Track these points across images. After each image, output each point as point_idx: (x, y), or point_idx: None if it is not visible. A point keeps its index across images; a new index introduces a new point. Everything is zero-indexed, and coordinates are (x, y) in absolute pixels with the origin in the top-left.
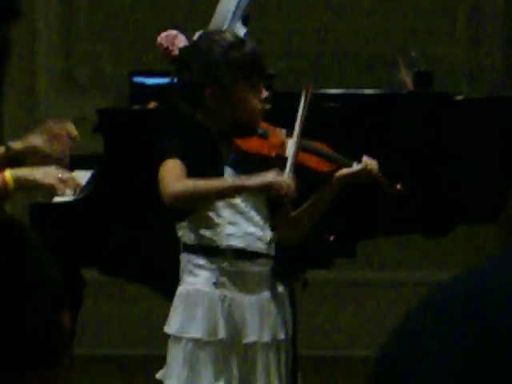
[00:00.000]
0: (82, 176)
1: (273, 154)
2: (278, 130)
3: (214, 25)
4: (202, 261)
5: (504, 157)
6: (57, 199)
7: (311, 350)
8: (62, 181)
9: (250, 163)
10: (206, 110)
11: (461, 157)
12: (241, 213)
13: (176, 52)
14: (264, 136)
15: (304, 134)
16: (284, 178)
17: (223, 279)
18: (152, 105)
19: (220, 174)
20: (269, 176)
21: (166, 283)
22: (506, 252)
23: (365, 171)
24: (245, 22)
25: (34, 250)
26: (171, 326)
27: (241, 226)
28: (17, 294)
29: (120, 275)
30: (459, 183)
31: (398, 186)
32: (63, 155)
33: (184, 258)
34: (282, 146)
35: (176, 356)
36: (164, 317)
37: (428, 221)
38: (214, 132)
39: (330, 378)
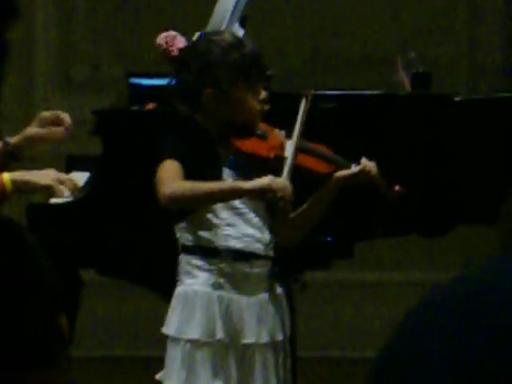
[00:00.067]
0: (80, 177)
1: (272, 155)
2: (276, 131)
3: (212, 26)
4: (200, 262)
5: (503, 157)
6: (54, 200)
7: (309, 351)
8: (59, 182)
9: (249, 164)
10: (204, 111)
11: (459, 157)
12: (239, 214)
13: (175, 53)
14: (263, 137)
15: (302, 135)
16: (282, 180)
17: (221, 280)
18: (150, 106)
19: (218, 175)
20: (266, 179)
21: (164, 284)
22: (506, 253)
23: (363, 173)
24: (242, 24)
25: (31, 252)
26: (169, 327)
27: (239, 228)
28: (15, 296)
29: (118, 276)
30: (458, 184)
31: (397, 188)
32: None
33: (182, 259)
34: (281, 147)
35: (174, 357)
36: (162, 318)
37: (426, 221)
38: (213, 133)
39: (328, 379)
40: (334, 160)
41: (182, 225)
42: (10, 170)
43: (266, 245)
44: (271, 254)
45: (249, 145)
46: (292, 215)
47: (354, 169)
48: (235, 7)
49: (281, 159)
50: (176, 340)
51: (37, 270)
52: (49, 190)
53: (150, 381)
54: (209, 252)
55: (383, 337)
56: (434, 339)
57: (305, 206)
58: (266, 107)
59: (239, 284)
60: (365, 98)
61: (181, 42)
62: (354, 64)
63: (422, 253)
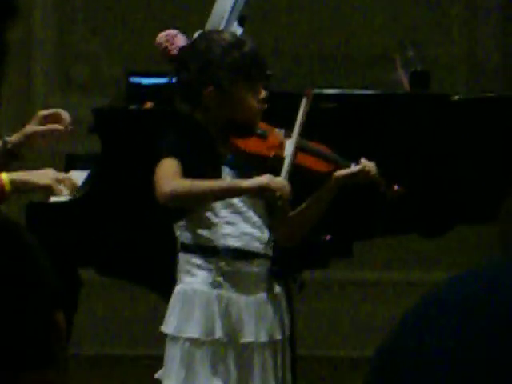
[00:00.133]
0: (79, 176)
1: (271, 154)
2: (276, 130)
3: (210, 25)
4: (199, 260)
5: (501, 156)
6: (53, 199)
7: (308, 351)
8: (58, 181)
9: (249, 163)
10: (204, 110)
11: (458, 157)
12: (239, 213)
13: (175, 52)
14: (262, 136)
15: (302, 134)
16: (280, 179)
17: (220, 279)
18: (149, 105)
19: (218, 173)
20: (265, 178)
21: (163, 283)
22: (506, 252)
23: (363, 172)
24: (241, 23)
25: (30, 251)
26: (168, 326)
27: (238, 226)
28: (13, 295)
29: (117, 275)
30: (457, 183)
31: (396, 187)
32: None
33: (181, 257)
34: (281, 146)
35: (173, 356)
36: (161, 317)
37: (425, 221)
38: (213, 132)
39: (328, 378)
40: (333, 159)
41: (182, 223)
42: (9, 170)
43: (266, 244)
44: (270, 252)
45: (248, 144)
46: (291, 214)
47: (354, 168)
48: (234, 6)
49: (280, 158)
50: (175, 339)
51: (36, 269)
52: (48, 190)
53: (149, 380)
54: (208, 250)
55: (382, 336)
56: (434, 338)
57: (304, 205)
58: (265, 106)
59: (238, 283)
60: (363, 97)
61: (181, 40)
62: (353, 63)
63: (420, 252)
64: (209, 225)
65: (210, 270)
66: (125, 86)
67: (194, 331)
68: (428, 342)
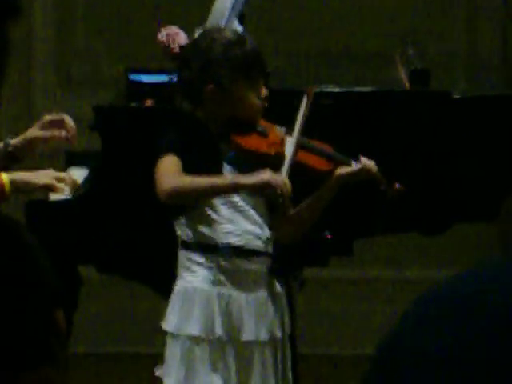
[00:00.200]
0: (78, 173)
1: (272, 151)
2: (277, 127)
3: (211, 23)
4: (199, 258)
5: (502, 155)
6: (53, 197)
7: (308, 349)
8: (59, 179)
9: (249, 161)
10: (205, 108)
11: (458, 155)
12: (239, 211)
13: (177, 49)
14: (263, 134)
15: (303, 132)
16: (281, 176)
17: (221, 277)
18: (149, 102)
19: (219, 171)
20: (265, 174)
21: (164, 281)
22: (506, 252)
23: (364, 170)
24: (241, 21)
25: (29, 250)
26: (169, 323)
27: (239, 224)
28: (12, 294)
29: (117, 273)
30: (457, 181)
31: (397, 186)
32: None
33: (182, 255)
34: (282, 143)
35: (173, 353)
36: (161, 314)
37: (426, 219)
38: (214, 129)
39: (328, 376)
40: (334, 157)
41: (182, 221)
42: (9, 169)
43: (266, 241)
44: (271, 250)
45: (249, 141)
46: (292, 212)
47: (354, 166)
48: (234, 4)
49: (281, 156)
50: (175, 336)
51: (35, 268)
52: (48, 188)
53: (149, 377)
54: (208, 248)
55: (383, 334)
56: (433, 337)
57: (305, 203)
58: (266, 104)
59: (238, 281)
60: (363, 94)
61: (182, 38)
62: (353, 61)
63: (420, 250)
64: (209, 222)
65: (210, 268)
66: (125, 84)
67: (194, 329)
68: (427, 341)
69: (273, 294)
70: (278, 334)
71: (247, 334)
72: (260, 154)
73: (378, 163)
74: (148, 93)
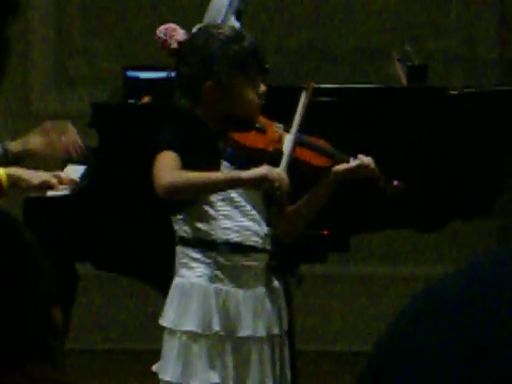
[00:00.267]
0: (75, 170)
1: (270, 148)
2: (275, 124)
3: (208, 19)
4: (197, 254)
5: (498, 151)
6: (51, 193)
7: (306, 345)
8: (56, 176)
9: (248, 157)
10: (204, 104)
11: (455, 151)
12: (237, 207)
13: (175, 45)
14: (262, 130)
15: (301, 128)
16: (279, 170)
17: (218, 273)
18: (146, 99)
19: (217, 167)
20: (263, 169)
21: (161, 277)
22: (506, 247)
23: (362, 167)
24: (238, 17)
25: (27, 247)
26: (166, 319)
27: (236, 220)
28: (10, 291)
29: (114, 270)
30: (454, 178)
31: (395, 183)
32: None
33: (179, 251)
34: (280, 140)
35: (171, 349)
36: (158, 311)
37: (422, 215)
38: (212, 126)
39: (326, 372)
40: (332, 154)
41: (180, 217)
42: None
43: (264, 238)
44: (268, 247)
45: (247, 138)
46: (290, 209)
47: (353, 163)
48: (231, 1)
49: (279, 153)
50: (172, 332)
51: (33, 265)
52: (46, 183)
53: (146, 374)
54: (206, 244)
55: (381, 330)
56: (430, 334)
57: (303, 199)
58: (264, 101)
59: (236, 277)
60: (361, 91)
61: (180, 34)
62: (350, 57)
63: (417, 247)
64: (207, 218)
65: (207, 264)
66: (122, 81)
67: (191, 325)
68: (425, 338)
69: (270, 291)
70: (276, 330)
71: (244, 330)
72: (258, 150)
73: (375, 160)
74: (145, 90)
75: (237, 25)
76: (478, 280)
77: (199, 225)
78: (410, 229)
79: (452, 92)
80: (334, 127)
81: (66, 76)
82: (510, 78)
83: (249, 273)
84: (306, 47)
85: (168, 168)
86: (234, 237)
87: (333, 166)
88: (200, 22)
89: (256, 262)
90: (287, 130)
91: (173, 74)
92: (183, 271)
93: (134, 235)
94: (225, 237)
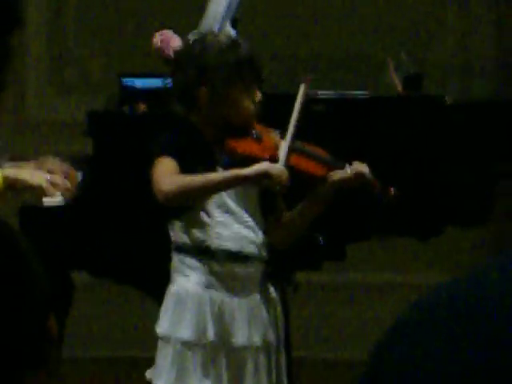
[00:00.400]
0: None
1: (266, 155)
2: (271, 131)
3: (204, 27)
4: (192, 262)
5: (493, 159)
6: (46, 202)
7: (303, 353)
8: (51, 183)
9: (244, 165)
10: (199, 112)
11: (451, 160)
12: (232, 214)
13: (171, 53)
14: (257, 138)
15: (296, 135)
16: (278, 166)
17: (213, 281)
18: (142, 107)
19: None
20: (263, 165)
21: (157, 285)
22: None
23: (358, 175)
24: (234, 25)
25: (23, 255)
26: (161, 327)
27: (232, 228)
28: (5, 300)
29: (110, 278)
30: (449, 186)
31: (392, 190)
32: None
33: (175, 258)
34: (276, 147)
35: (165, 356)
36: (153, 319)
37: (419, 224)
38: (208, 133)
39: (322, 380)
40: (328, 162)
41: (175, 224)
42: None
43: (259, 245)
44: (264, 254)
45: (243, 146)
46: (286, 217)
47: (349, 171)
48: (227, 8)
49: (275, 160)
50: (167, 339)
51: (28, 274)
52: (40, 190)
53: (141, 382)
54: (201, 252)
55: (377, 338)
56: (426, 344)
57: (299, 207)
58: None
59: (231, 285)
60: (356, 99)
61: (176, 42)
62: (346, 65)
63: (413, 255)
64: (202, 226)
65: (203, 272)
66: (118, 89)
67: (185, 332)
68: (420, 347)
69: (266, 299)
70: (272, 338)
71: (239, 338)
72: (254, 158)
73: (371, 168)
74: (141, 97)
75: (232, 33)
76: (476, 289)
77: (195, 232)
78: (406, 237)
79: (447, 101)
80: (329, 135)
81: (61, 84)
82: (506, 87)
83: (244, 281)
84: (301, 56)
85: (167, 173)
86: (230, 244)
87: (329, 173)
88: (196, 29)
89: (252, 270)
90: (284, 137)
91: (168, 82)
92: (178, 278)
93: (130, 243)
94: (220, 244)
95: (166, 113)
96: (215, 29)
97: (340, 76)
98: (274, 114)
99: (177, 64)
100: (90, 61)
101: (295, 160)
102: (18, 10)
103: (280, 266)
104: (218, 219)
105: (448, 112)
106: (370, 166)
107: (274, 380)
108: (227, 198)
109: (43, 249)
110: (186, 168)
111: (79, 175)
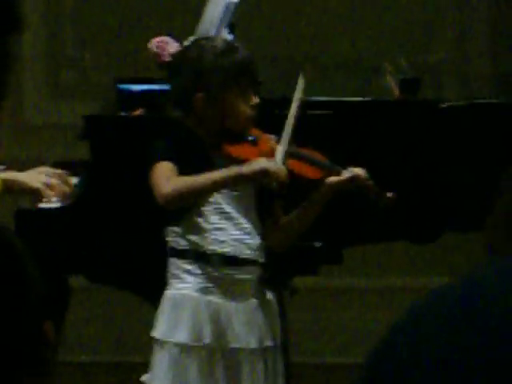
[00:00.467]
0: None
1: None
2: (267, 136)
3: (200, 32)
4: (189, 266)
5: (490, 163)
6: (42, 205)
7: (300, 357)
8: (48, 186)
9: None
10: (196, 116)
11: (448, 164)
12: (228, 218)
13: (167, 58)
14: (254, 142)
15: (293, 140)
16: (276, 163)
17: (210, 285)
18: (138, 111)
19: None
20: (261, 162)
21: (154, 290)
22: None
23: (354, 179)
24: (231, 30)
25: (19, 259)
26: (157, 331)
27: (228, 232)
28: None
29: (107, 282)
30: (446, 190)
31: (389, 195)
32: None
33: (171, 262)
34: (272, 152)
35: (161, 360)
36: (150, 323)
37: (416, 227)
38: (205, 138)
39: None
40: (324, 166)
41: (172, 228)
42: None
43: (256, 250)
44: (261, 259)
45: (240, 150)
46: (283, 220)
47: (346, 175)
48: (224, 13)
49: None
50: (163, 343)
51: (25, 278)
52: (37, 193)
53: None
54: (198, 256)
55: (374, 342)
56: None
57: (296, 211)
58: (256, 112)
59: (228, 289)
60: (353, 104)
61: (173, 47)
62: (342, 69)
63: (410, 259)
64: (199, 230)
65: (199, 276)
66: (114, 93)
67: (182, 336)
68: (417, 352)
69: (263, 303)
70: (269, 342)
71: (236, 343)
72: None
73: (368, 172)
74: (137, 102)
75: (229, 37)
76: (472, 293)
77: (191, 237)
78: (403, 241)
79: (444, 104)
80: (326, 139)
81: (58, 88)
82: (503, 91)
83: (241, 285)
84: (298, 61)
85: (166, 177)
86: (226, 249)
87: (325, 177)
88: (192, 34)
89: (248, 275)
90: (280, 141)
91: (165, 87)
92: (175, 283)
93: (127, 247)
94: (217, 249)
95: (162, 117)
96: (212, 33)
97: (337, 81)
98: (272, 119)
99: (173, 68)
100: (87, 64)
101: (292, 164)
102: (17, 11)
103: (277, 271)
104: (215, 224)
105: (445, 115)
106: (367, 169)
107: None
108: (224, 202)
109: (39, 252)
110: (183, 172)
111: (74, 180)
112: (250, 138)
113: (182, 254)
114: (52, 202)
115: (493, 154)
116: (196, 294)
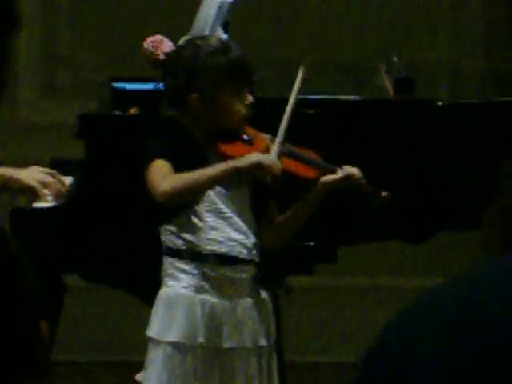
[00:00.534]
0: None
1: None
2: (262, 135)
3: (194, 31)
4: (183, 265)
5: (485, 163)
6: (37, 204)
7: (295, 357)
8: (44, 185)
9: None
10: (190, 116)
11: (443, 163)
12: (223, 218)
13: (161, 57)
14: (248, 141)
15: (288, 139)
16: (270, 157)
17: (205, 284)
18: (133, 110)
19: None
20: (255, 155)
21: (149, 289)
22: (494, 261)
23: (349, 178)
24: (225, 29)
25: (15, 259)
26: (151, 329)
27: (223, 231)
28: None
29: (102, 281)
30: (441, 189)
31: (383, 194)
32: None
33: (166, 261)
34: (267, 151)
35: (155, 359)
36: (145, 322)
37: (410, 227)
38: (199, 137)
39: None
40: (319, 165)
41: (167, 227)
42: None
43: (251, 249)
44: (256, 258)
45: (234, 149)
46: (278, 219)
47: (340, 174)
48: (218, 12)
49: None
50: (157, 342)
51: (20, 278)
52: (32, 192)
53: None
54: (193, 255)
55: (369, 342)
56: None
57: (290, 210)
58: (251, 112)
59: (222, 288)
60: (348, 103)
61: (167, 46)
62: (337, 69)
63: (403, 258)
64: (194, 230)
65: (194, 275)
66: (109, 92)
67: (176, 335)
68: (410, 352)
69: (258, 302)
70: (263, 341)
71: (230, 341)
72: None
73: (363, 171)
74: (132, 101)
75: (224, 36)
76: (465, 292)
77: (186, 236)
78: (397, 240)
79: (439, 103)
80: (321, 139)
81: (53, 87)
82: (496, 90)
83: (235, 284)
84: (293, 60)
85: (163, 175)
86: (221, 248)
87: (320, 177)
88: (187, 34)
89: (243, 274)
90: (275, 141)
91: (160, 86)
92: (169, 282)
93: (122, 247)
94: (212, 248)
95: (157, 116)
96: (206, 32)
97: (332, 80)
98: (267, 119)
99: (168, 68)
100: (81, 64)
101: (286, 163)
102: (17, 10)
103: (272, 270)
104: (210, 223)
105: (440, 114)
106: (363, 169)
107: (265, 383)
108: (219, 201)
109: (34, 251)
110: (178, 171)
111: (68, 179)
112: (245, 137)
113: (176, 254)
114: (47, 201)
115: (489, 152)
116: (191, 293)
